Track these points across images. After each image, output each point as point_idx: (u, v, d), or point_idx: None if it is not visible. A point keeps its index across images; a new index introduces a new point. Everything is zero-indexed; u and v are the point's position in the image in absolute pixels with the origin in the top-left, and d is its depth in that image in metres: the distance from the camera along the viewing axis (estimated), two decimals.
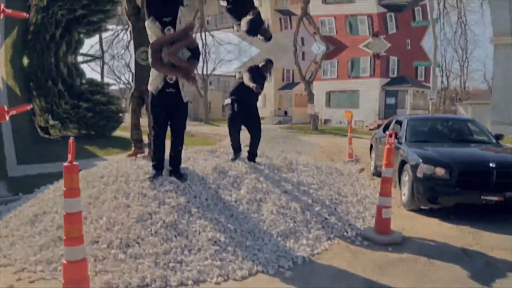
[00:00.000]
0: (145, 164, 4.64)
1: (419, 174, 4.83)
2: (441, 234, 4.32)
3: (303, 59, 25.04)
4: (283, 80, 35.27)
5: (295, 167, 5.88)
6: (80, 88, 13.41)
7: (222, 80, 53.59)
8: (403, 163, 5.38)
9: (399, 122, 6.49)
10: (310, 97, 21.21)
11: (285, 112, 34.58)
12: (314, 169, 6.16)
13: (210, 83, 55.69)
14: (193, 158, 5.26)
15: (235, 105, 5.28)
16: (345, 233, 4.24)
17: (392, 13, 26.18)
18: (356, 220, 4.66)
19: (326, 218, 4.46)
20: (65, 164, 2.61)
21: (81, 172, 4.88)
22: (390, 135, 4.12)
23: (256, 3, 5.21)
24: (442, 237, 4.22)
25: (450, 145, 5.49)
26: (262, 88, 5.26)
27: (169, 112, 4.30)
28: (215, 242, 3.54)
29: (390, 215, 4.19)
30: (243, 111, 5.33)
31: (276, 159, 6.01)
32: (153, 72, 4.25)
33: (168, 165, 4.42)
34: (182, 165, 4.79)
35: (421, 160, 4.90)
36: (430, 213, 5.04)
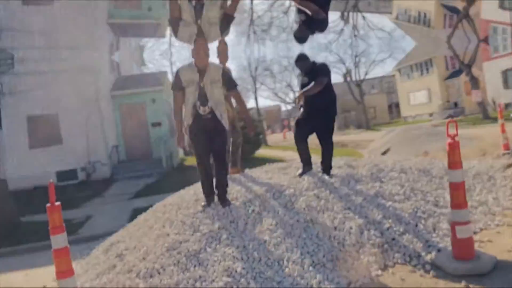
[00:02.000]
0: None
1: None
2: None
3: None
4: (447, 68, 30.91)
5: (384, 174, 4.94)
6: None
7: (386, 81, 50.86)
8: None
9: None
10: (473, 82, 17.91)
11: (455, 104, 30.03)
12: (415, 174, 5.05)
13: (373, 86, 53.55)
14: (258, 178, 5.02)
15: (301, 112, 4.81)
16: (414, 258, 3.27)
17: None
18: (443, 239, 3.54)
19: (393, 239, 3.54)
20: (48, 205, 2.83)
21: (156, 204, 5.28)
22: (451, 123, 3.01)
23: None
24: None
25: None
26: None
27: (209, 138, 4.22)
28: (230, 273, 3.22)
29: (470, 233, 3.02)
30: (311, 117, 4.78)
31: (362, 168, 5.18)
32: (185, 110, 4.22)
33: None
34: (239, 187, 4.64)
35: None
36: None
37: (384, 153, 11.84)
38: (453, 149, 3.02)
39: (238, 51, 41.38)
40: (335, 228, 3.69)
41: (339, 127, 45.94)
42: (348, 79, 36.28)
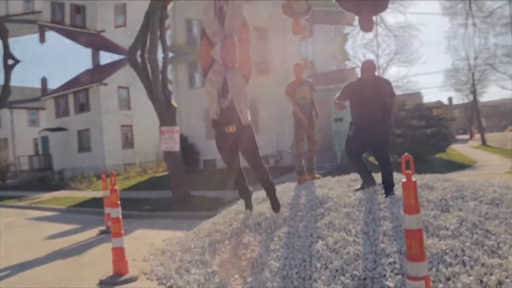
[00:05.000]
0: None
1: None
2: None
3: None
4: None
5: (458, 202, 4.24)
6: (399, 115, 13.92)
7: None
8: None
9: None
10: None
11: None
12: (509, 209, 4.08)
13: None
14: (320, 187, 5.17)
15: (351, 128, 4.73)
16: None
17: None
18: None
19: (384, 275, 3.28)
20: (109, 188, 4.24)
21: None
22: (407, 161, 2.62)
23: None
24: None
25: None
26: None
27: (236, 150, 4.47)
28: (221, 265, 3.86)
29: None
30: (362, 134, 4.62)
31: (440, 191, 4.52)
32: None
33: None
34: (293, 193, 5.04)
35: None
36: None
37: None
38: (408, 190, 2.66)
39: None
40: (333, 250, 3.70)
41: None
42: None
